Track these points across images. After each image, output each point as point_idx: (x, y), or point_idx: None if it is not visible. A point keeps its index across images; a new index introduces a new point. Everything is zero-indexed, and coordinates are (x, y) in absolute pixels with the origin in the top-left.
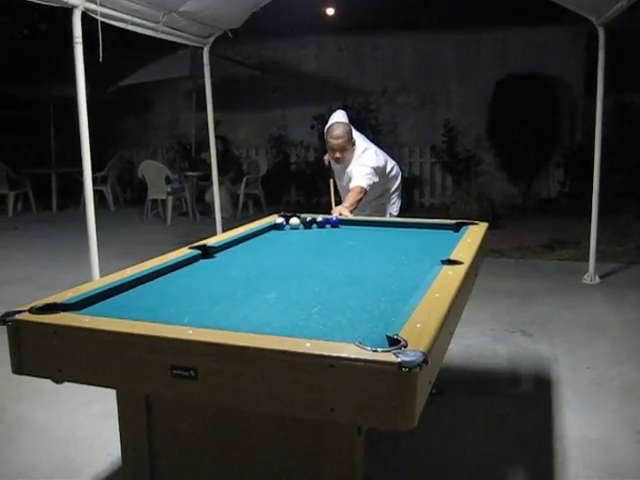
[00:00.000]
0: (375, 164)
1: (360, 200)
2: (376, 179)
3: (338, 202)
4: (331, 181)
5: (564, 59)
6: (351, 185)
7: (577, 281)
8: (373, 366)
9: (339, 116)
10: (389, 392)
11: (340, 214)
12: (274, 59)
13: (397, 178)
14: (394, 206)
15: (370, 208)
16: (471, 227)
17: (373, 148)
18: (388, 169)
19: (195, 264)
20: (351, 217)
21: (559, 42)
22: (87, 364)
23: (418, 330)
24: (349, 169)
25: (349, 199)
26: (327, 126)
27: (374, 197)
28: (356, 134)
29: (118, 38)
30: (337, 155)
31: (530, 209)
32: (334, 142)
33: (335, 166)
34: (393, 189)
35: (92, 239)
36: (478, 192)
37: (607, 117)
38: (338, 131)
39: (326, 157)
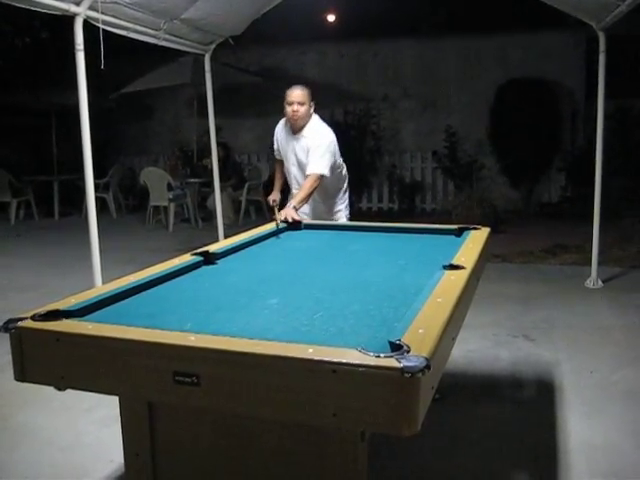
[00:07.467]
0: (330, 140)
1: (314, 189)
2: (332, 160)
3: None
4: (276, 209)
5: (565, 64)
6: (308, 171)
7: (580, 285)
8: (376, 371)
9: None
10: (392, 397)
11: (290, 219)
12: (275, 66)
13: (346, 177)
14: (347, 210)
15: (324, 207)
16: (473, 232)
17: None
18: (338, 157)
19: (197, 270)
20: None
21: (560, 47)
22: (90, 371)
23: (421, 335)
24: (303, 142)
25: (303, 191)
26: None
27: (326, 196)
28: None
29: (120, 45)
30: (295, 108)
31: (532, 214)
32: (294, 94)
33: (284, 143)
34: (344, 189)
35: (94, 246)
36: (480, 197)
37: (608, 121)
38: (298, 89)
39: (270, 197)
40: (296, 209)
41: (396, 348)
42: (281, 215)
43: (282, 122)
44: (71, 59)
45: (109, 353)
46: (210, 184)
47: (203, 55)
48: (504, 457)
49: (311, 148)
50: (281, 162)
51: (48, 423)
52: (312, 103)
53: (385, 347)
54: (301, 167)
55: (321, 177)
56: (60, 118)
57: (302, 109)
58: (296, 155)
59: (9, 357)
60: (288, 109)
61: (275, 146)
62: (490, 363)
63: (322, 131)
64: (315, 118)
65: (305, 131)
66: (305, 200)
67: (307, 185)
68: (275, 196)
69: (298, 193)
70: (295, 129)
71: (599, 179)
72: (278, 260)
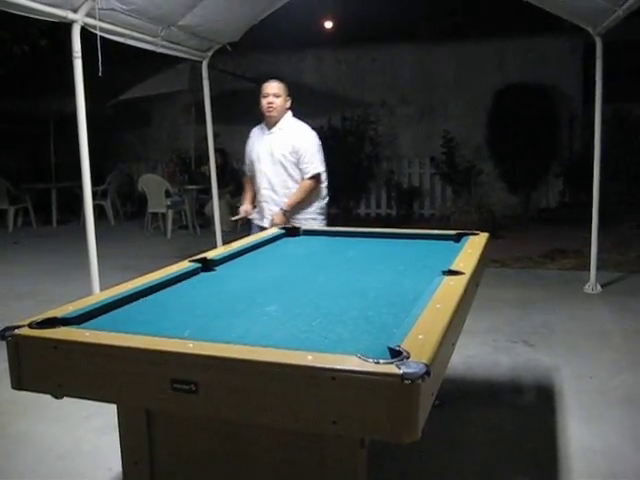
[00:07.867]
0: (316, 138)
1: (309, 192)
2: (322, 156)
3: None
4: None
5: (562, 69)
6: (307, 176)
7: (578, 290)
8: (375, 378)
9: None
10: (392, 404)
11: (281, 224)
12: (273, 72)
13: (326, 197)
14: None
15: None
16: (472, 237)
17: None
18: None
19: (195, 277)
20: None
21: (557, 52)
22: (87, 379)
23: (420, 341)
24: (278, 135)
25: (297, 193)
26: None
27: (308, 205)
28: None
29: (117, 52)
30: (270, 100)
31: (530, 219)
32: (269, 86)
33: (257, 144)
34: (319, 204)
35: (92, 253)
36: (478, 202)
37: (606, 126)
38: (274, 82)
39: (242, 208)
40: (286, 212)
41: (396, 354)
42: (272, 222)
43: (255, 129)
44: (69, 66)
45: (107, 361)
46: (208, 191)
47: (200, 62)
48: (504, 462)
49: (299, 152)
50: (251, 178)
51: (47, 431)
52: (288, 98)
53: (385, 353)
54: (274, 162)
55: (318, 178)
56: (58, 125)
57: (277, 101)
58: (271, 151)
59: (6, 365)
60: (263, 102)
61: (247, 160)
62: (489, 368)
63: (303, 129)
64: (290, 115)
65: (281, 124)
66: (297, 203)
67: (302, 187)
68: (248, 207)
69: (291, 196)
70: (270, 123)
71: (597, 184)
72: (276, 266)
